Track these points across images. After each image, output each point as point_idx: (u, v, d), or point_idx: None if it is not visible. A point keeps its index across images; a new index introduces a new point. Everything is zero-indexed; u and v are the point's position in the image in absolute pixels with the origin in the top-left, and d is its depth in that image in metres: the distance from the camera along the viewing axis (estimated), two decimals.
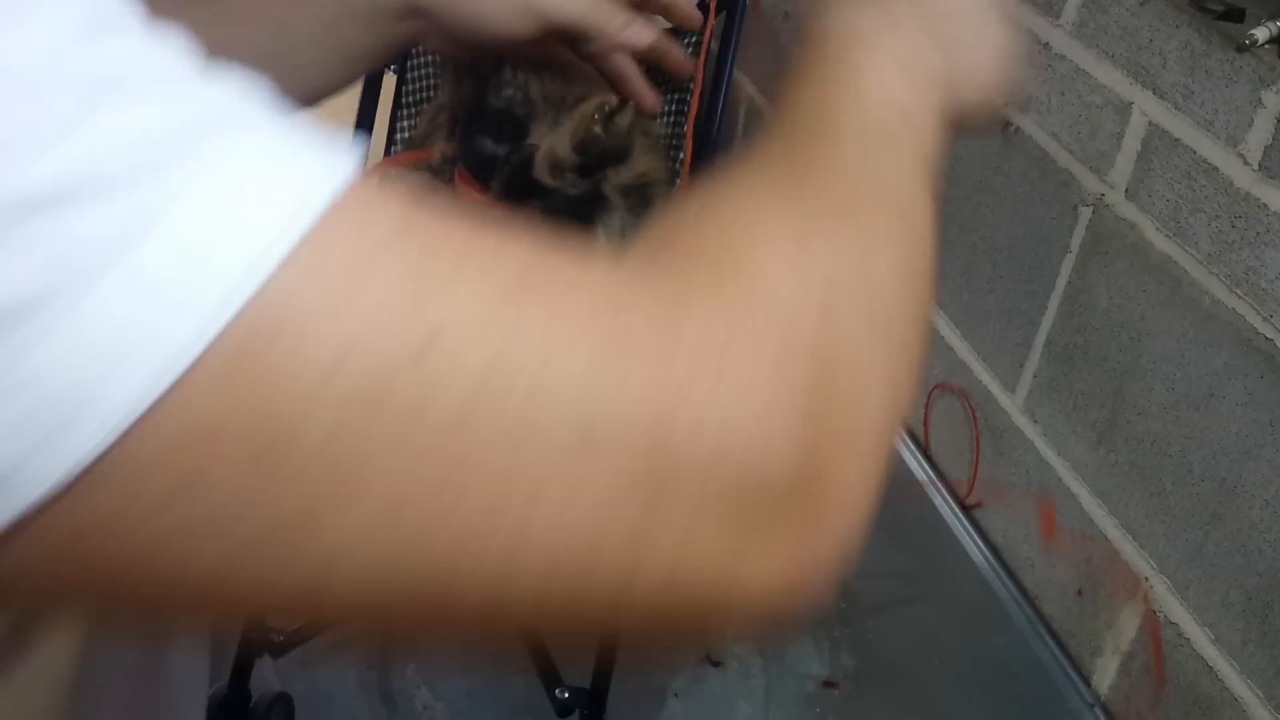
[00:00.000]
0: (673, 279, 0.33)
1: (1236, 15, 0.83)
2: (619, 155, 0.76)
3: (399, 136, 0.96)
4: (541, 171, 0.76)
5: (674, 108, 0.96)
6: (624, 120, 0.74)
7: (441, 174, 0.85)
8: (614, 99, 0.74)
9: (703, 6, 0.98)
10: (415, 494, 0.26)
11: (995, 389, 1.21)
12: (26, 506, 0.24)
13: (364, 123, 0.97)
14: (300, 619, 0.26)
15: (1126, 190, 1.00)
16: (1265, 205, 0.86)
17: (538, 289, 0.29)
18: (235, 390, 0.24)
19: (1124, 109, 0.99)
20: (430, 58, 0.94)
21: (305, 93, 0.79)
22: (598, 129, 0.73)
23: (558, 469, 0.28)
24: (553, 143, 0.76)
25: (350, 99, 0.90)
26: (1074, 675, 1.09)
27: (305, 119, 0.28)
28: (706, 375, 0.30)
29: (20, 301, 0.23)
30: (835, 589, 0.41)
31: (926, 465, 1.30)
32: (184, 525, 0.25)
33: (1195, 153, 0.92)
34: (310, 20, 0.72)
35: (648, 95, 0.77)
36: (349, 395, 0.25)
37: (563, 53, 0.74)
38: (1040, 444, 1.14)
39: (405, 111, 0.95)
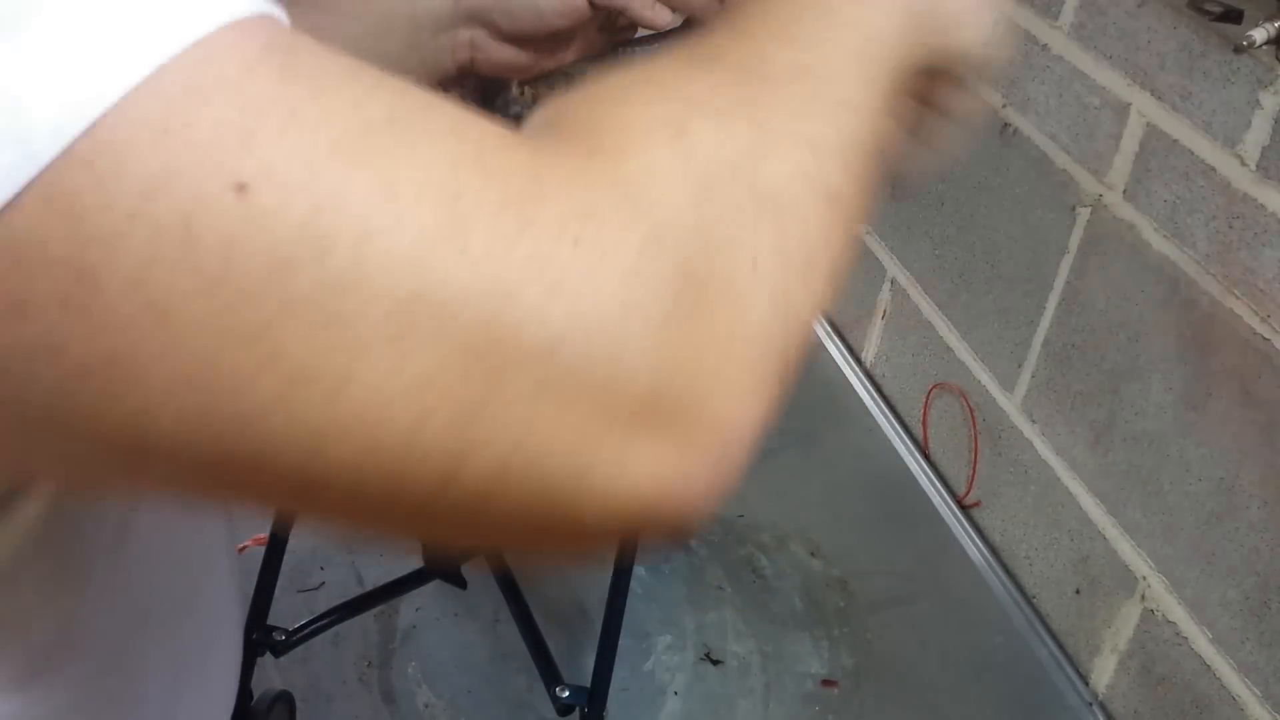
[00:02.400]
0: (542, 154, 0.32)
1: (1234, 16, 0.84)
2: None
3: None
4: None
5: None
6: None
7: None
8: None
9: None
10: (228, 346, 0.26)
11: (993, 389, 1.21)
12: None
13: None
14: (128, 472, 0.25)
15: (1124, 191, 1.00)
16: (1263, 206, 0.87)
17: (388, 144, 0.28)
18: (57, 210, 0.24)
19: (1122, 110, 0.99)
20: None
21: None
22: None
23: (380, 336, 0.27)
24: None
25: None
26: (1072, 674, 1.10)
27: None
28: (559, 257, 0.29)
29: None
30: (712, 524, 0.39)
31: (925, 464, 1.30)
32: (16, 348, 0.25)
33: (1193, 153, 0.92)
34: (365, 28, 0.74)
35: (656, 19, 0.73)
36: (163, 224, 0.25)
37: (597, 43, 0.75)
38: (1038, 444, 1.15)
39: None
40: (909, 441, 1.33)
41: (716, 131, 0.36)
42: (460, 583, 0.89)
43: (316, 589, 1.08)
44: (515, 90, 0.77)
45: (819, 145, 0.38)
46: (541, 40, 0.72)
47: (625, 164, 0.33)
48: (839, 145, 0.39)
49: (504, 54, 0.74)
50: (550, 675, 0.92)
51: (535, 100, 0.77)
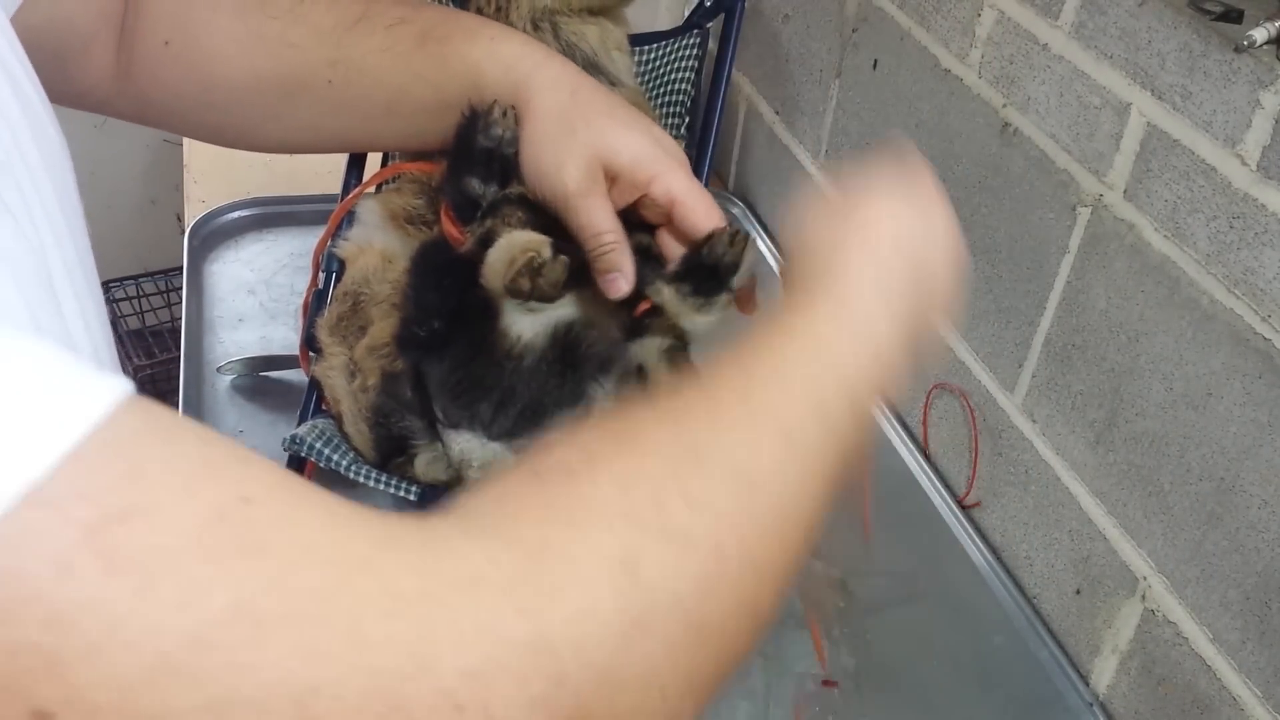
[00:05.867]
0: (453, 563, 0.34)
1: (1235, 16, 0.83)
2: (547, 300, 0.74)
3: None
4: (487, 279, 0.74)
5: (674, 110, 0.96)
6: (554, 274, 0.71)
7: (438, 197, 0.84)
8: (546, 250, 0.71)
9: (701, 11, 0.99)
10: None
11: (994, 389, 1.21)
12: None
13: None
14: None
15: (1125, 191, 1.00)
16: (1263, 206, 0.86)
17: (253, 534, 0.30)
18: None
19: (1122, 110, 0.99)
20: None
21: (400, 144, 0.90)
22: (524, 282, 0.71)
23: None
24: (490, 269, 0.73)
25: None
26: (1072, 674, 1.09)
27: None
28: (442, 710, 0.30)
29: None
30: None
31: (925, 465, 1.30)
32: None
33: (1193, 153, 0.92)
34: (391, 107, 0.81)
35: (613, 288, 0.76)
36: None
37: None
38: (1039, 444, 1.14)
39: None
40: (909, 441, 1.33)
41: (670, 563, 0.38)
42: None
43: None
44: (497, 112, 0.75)
45: (786, 528, 0.45)
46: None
47: (556, 609, 0.34)
48: (796, 521, 0.46)
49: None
50: None
51: (517, 123, 0.76)
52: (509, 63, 0.77)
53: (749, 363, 0.51)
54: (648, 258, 0.77)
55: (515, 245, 0.72)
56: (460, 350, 0.77)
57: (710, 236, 0.76)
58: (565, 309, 0.77)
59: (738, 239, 0.75)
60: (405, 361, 0.80)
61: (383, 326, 0.82)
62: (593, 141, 0.75)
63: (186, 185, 1.65)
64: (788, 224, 0.63)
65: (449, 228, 0.79)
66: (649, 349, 0.74)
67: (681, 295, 0.76)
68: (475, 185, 0.77)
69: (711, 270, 0.75)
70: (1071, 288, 1.08)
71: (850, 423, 0.51)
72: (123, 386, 0.31)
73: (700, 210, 0.77)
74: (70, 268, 0.50)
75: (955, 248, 0.65)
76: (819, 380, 0.51)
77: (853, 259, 0.59)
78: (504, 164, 0.76)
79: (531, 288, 0.71)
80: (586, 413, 0.80)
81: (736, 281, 0.76)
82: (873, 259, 0.59)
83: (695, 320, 0.76)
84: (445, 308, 0.77)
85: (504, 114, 0.75)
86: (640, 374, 0.76)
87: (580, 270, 0.74)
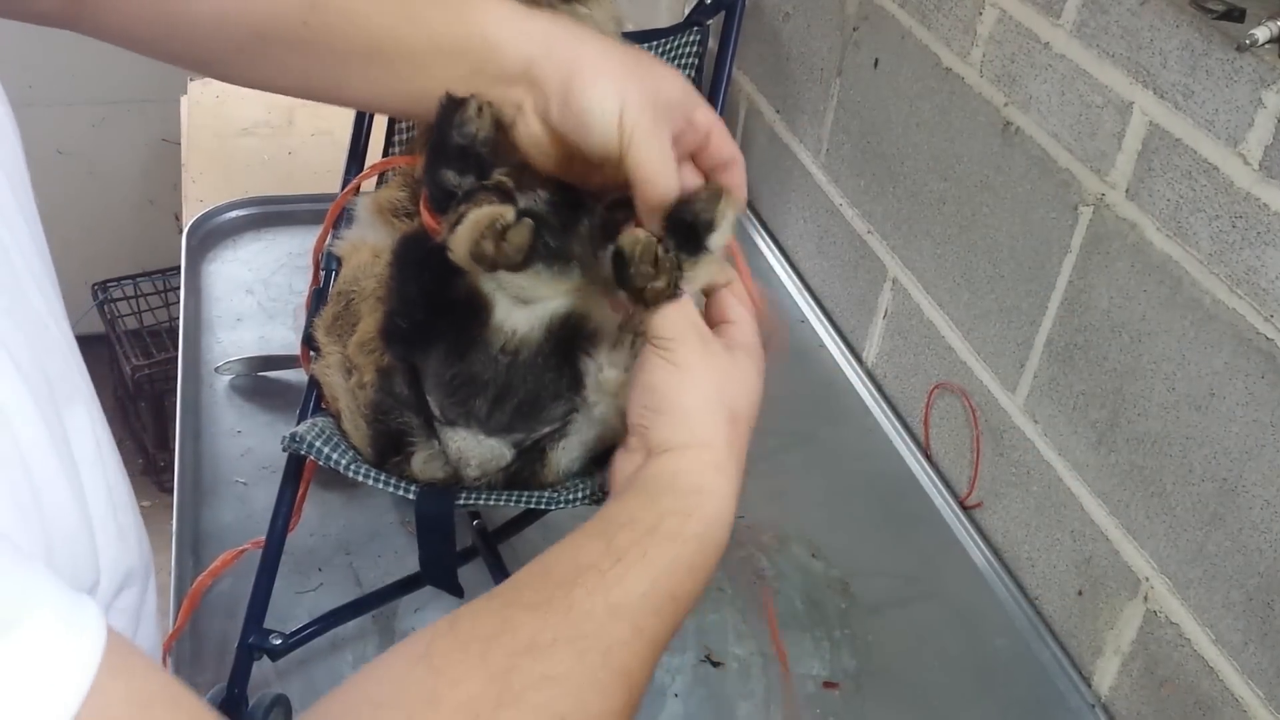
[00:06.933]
0: None
1: (1237, 15, 0.83)
2: (513, 267, 0.72)
3: (398, 139, 0.96)
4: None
5: None
6: (519, 237, 0.70)
7: (419, 188, 0.84)
8: (510, 215, 0.71)
9: (701, 9, 0.98)
10: None
11: (995, 389, 1.20)
12: None
13: (362, 120, 0.97)
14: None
15: (1127, 190, 1.00)
16: (1266, 205, 0.86)
17: None
18: None
19: (1124, 109, 0.99)
20: None
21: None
22: (488, 245, 0.70)
23: None
24: (455, 240, 0.72)
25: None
26: (1075, 675, 1.09)
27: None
28: None
29: None
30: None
31: (926, 465, 1.30)
32: None
33: (1196, 152, 0.92)
34: (450, 73, 0.77)
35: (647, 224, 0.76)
36: None
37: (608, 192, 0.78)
38: (1041, 444, 1.14)
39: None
40: (910, 442, 1.33)
41: None
42: (457, 590, 0.88)
43: (315, 590, 1.07)
44: (472, 109, 0.74)
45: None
46: (573, 150, 0.76)
47: None
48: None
49: (535, 134, 0.75)
50: None
51: (493, 120, 0.75)
52: (543, 28, 0.76)
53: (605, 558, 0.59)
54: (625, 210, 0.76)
55: (481, 213, 0.72)
56: (450, 344, 0.77)
57: (689, 195, 0.74)
58: (559, 300, 0.77)
59: (714, 194, 0.74)
60: (391, 354, 0.79)
61: (370, 321, 0.82)
62: (654, 88, 0.74)
63: (184, 185, 1.65)
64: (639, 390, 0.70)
65: (427, 219, 0.78)
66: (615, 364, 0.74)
67: (664, 251, 0.74)
68: (451, 177, 0.77)
69: (690, 227, 0.74)
70: (1073, 287, 1.08)
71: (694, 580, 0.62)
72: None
73: (726, 135, 0.79)
74: (22, 245, 0.49)
75: (757, 386, 0.74)
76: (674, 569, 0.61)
77: (720, 435, 0.68)
78: (479, 160, 0.76)
79: (496, 251, 0.70)
80: (580, 395, 0.79)
81: (715, 241, 0.74)
82: (733, 431, 0.68)
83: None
84: (426, 298, 0.77)
85: (478, 111, 0.75)
86: (634, 343, 0.75)
87: (565, 228, 0.73)
